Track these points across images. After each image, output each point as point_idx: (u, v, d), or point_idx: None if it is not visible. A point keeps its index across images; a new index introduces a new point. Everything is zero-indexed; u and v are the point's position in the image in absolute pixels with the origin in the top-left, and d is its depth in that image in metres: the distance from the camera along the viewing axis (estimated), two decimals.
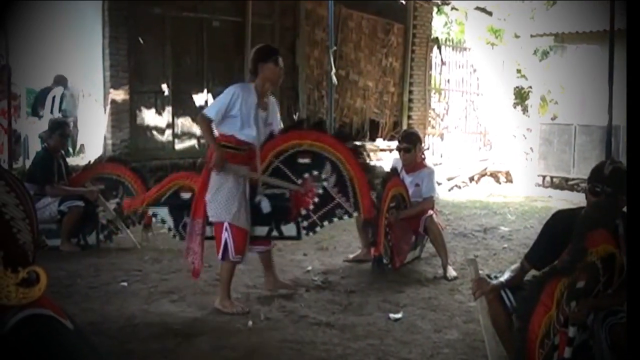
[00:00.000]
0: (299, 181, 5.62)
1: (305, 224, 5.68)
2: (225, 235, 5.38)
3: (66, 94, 11.71)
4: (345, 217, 5.79)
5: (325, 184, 5.64)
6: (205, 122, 5.42)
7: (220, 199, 5.36)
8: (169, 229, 5.93)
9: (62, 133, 7.74)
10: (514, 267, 4.17)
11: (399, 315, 5.43)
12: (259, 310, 5.49)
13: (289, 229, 5.69)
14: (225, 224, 5.37)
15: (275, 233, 5.71)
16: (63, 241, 7.36)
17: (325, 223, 5.74)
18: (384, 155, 14.50)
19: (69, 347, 1.59)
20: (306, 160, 5.62)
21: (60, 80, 11.80)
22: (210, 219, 5.47)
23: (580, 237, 3.39)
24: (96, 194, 7.47)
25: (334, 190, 5.64)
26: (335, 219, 5.78)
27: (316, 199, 5.62)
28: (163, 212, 5.87)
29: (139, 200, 6.17)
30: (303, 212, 5.63)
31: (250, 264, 6.88)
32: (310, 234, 5.82)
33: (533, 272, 4.04)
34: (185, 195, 5.80)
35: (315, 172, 5.61)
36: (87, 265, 6.78)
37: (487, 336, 3.96)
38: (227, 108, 5.33)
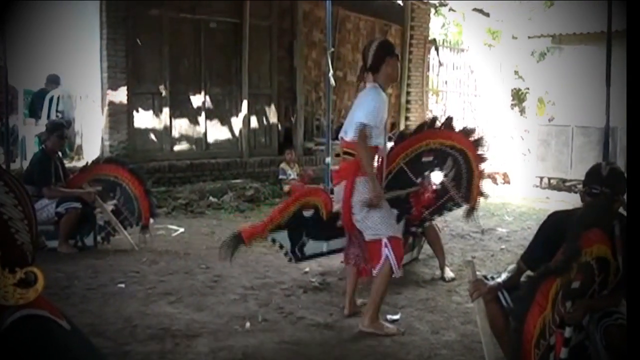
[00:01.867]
0: (419, 180, 5.69)
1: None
2: (386, 251, 4.98)
3: (63, 94, 11.69)
4: (455, 208, 6.20)
5: (444, 178, 5.93)
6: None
7: (377, 216, 5.01)
8: (285, 253, 5.68)
9: (60, 134, 7.73)
10: (510, 267, 4.18)
11: (396, 317, 5.43)
12: (257, 311, 5.50)
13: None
14: (385, 240, 4.99)
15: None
16: (60, 243, 7.35)
17: (436, 216, 6.12)
18: None
19: (66, 347, 1.59)
20: (429, 159, 5.72)
21: (54, 80, 11.74)
22: (368, 238, 5.07)
23: (574, 236, 3.39)
24: (93, 195, 7.47)
25: (450, 184, 5.97)
26: (445, 211, 6.23)
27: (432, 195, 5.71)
28: (281, 236, 5.54)
29: (259, 228, 5.46)
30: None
31: (248, 266, 6.90)
32: (420, 230, 6.02)
33: (529, 272, 4.04)
34: (307, 213, 5.57)
35: (437, 169, 5.76)
36: (84, 266, 6.78)
37: (485, 338, 3.96)
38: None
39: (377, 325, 5.06)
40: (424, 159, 5.69)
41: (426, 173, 5.76)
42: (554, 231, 3.86)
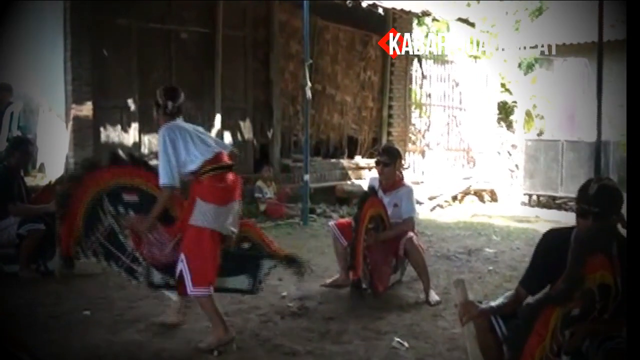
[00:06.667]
0: None
1: None
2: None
3: (25, 108, 11.56)
4: None
5: None
6: None
7: None
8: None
9: (25, 150, 7.67)
10: (508, 294, 4.15)
11: (406, 344, 5.41)
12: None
13: None
14: None
15: None
16: (22, 267, 7.26)
17: None
18: (362, 173, 14.54)
19: None
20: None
21: (7, 88, 11.48)
22: None
23: (576, 264, 3.39)
24: None
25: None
26: None
27: None
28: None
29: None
30: None
31: None
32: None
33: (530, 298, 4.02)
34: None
35: None
36: (47, 292, 6.70)
37: None
38: None
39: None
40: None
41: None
42: (552, 251, 3.85)
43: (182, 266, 5.19)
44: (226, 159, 5.46)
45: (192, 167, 5.30)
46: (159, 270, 5.49)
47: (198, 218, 5.22)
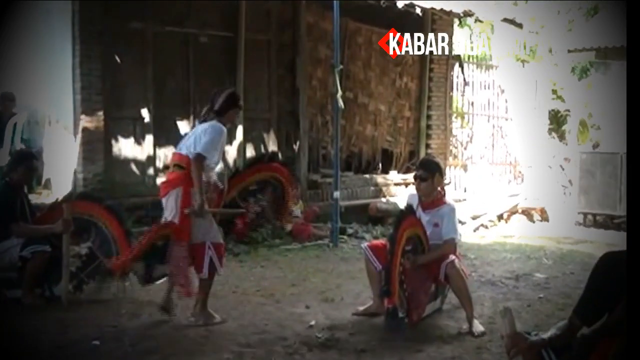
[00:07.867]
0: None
1: None
2: (210, 253, 6.67)
3: (30, 120, 11.67)
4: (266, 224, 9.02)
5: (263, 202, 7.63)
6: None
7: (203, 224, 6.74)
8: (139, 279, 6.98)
9: (29, 166, 7.71)
10: (560, 324, 4.09)
11: None
12: None
13: None
14: (208, 244, 6.68)
15: None
16: (25, 292, 7.28)
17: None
18: (398, 190, 14.51)
19: None
20: (254, 187, 7.52)
21: (10, 97, 11.56)
22: (194, 241, 6.69)
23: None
24: (70, 223, 7.34)
25: (268, 206, 7.70)
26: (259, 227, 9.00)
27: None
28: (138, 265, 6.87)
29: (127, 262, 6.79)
30: None
31: (244, 319, 6.88)
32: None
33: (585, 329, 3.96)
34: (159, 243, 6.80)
35: (259, 194, 7.56)
36: (53, 320, 6.73)
37: None
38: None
39: (206, 314, 6.70)
40: (250, 188, 7.47)
41: (250, 199, 7.46)
42: (610, 276, 3.79)
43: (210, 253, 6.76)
44: (173, 159, 6.95)
45: None
46: None
47: None
